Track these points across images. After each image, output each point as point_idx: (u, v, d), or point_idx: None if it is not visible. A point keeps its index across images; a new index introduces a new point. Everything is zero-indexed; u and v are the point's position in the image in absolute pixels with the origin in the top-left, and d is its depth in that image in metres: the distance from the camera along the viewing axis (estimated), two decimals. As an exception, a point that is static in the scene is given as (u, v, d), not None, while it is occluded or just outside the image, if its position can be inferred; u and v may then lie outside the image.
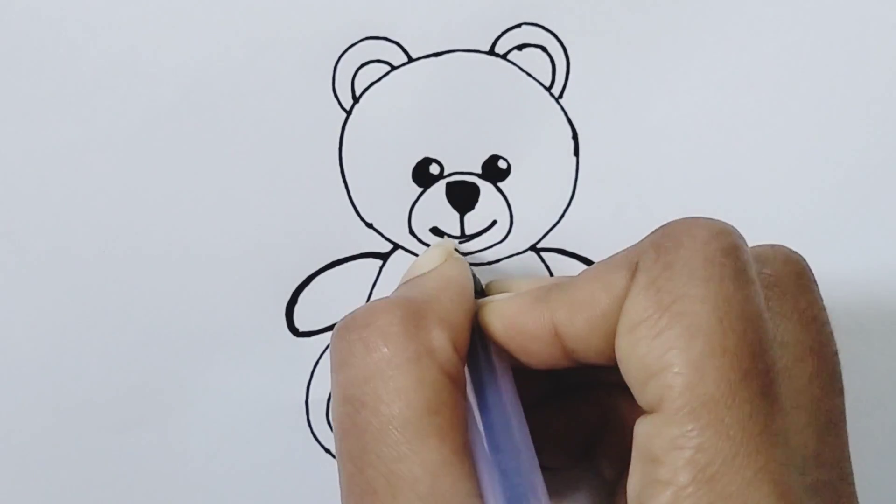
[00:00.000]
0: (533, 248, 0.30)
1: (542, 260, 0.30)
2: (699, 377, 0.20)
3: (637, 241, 0.23)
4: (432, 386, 0.22)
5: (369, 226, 0.30)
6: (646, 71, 0.29)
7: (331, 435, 0.30)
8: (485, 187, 0.30)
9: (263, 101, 0.29)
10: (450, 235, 0.30)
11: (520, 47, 0.29)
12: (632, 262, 0.22)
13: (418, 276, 0.26)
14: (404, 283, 0.27)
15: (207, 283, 0.29)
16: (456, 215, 0.30)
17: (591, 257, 0.30)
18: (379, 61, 0.29)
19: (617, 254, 0.23)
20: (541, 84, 0.29)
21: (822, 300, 0.24)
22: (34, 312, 0.29)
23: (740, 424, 0.20)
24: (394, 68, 0.29)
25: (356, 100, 0.29)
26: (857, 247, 0.30)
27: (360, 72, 0.29)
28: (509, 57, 0.29)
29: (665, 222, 0.23)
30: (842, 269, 0.30)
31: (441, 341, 0.23)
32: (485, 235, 0.30)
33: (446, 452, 0.21)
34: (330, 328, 0.30)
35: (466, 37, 0.29)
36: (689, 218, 0.23)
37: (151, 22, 0.28)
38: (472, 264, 0.29)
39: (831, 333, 0.24)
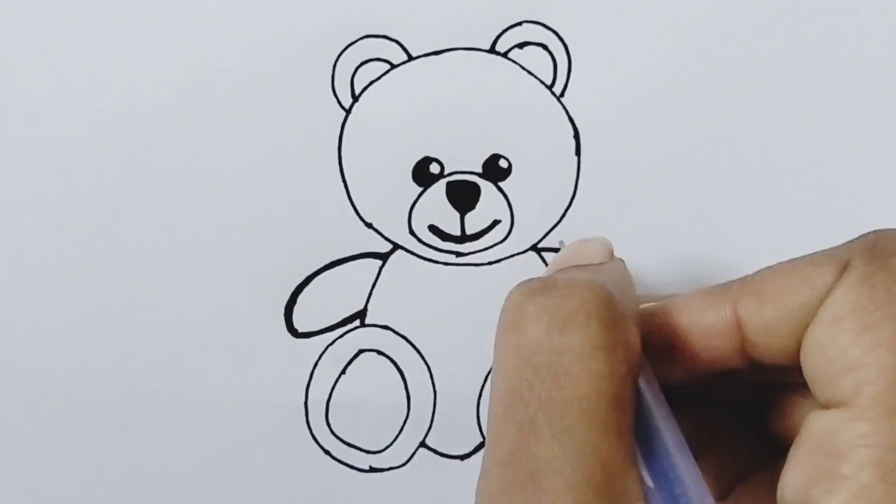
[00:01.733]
0: (534, 247, 0.30)
1: (543, 260, 0.30)
2: None
3: (842, 244, 0.22)
4: (621, 379, 0.20)
5: (369, 226, 0.29)
6: (647, 70, 0.29)
7: (329, 436, 0.30)
8: (485, 187, 0.30)
9: (263, 99, 0.29)
10: (450, 235, 0.30)
11: (521, 45, 0.29)
12: (842, 259, 0.22)
13: (599, 267, 0.24)
14: (576, 266, 0.25)
15: (206, 283, 0.29)
16: (456, 215, 0.30)
17: (592, 257, 0.30)
18: (378, 60, 0.29)
19: (817, 252, 0.23)
20: (542, 83, 0.29)
21: None
22: (34, 313, 0.29)
23: None
24: (394, 67, 0.29)
25: (356, 98, 0.29)
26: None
27: (360, 70, 0.29)
28: (510, 55, 0.29)
29: (872, 230, 0.22)
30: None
31: (634, 336, 0.21)
32: (485, 235, 0.30)
33: (622, 453, 0.20)
34: (329, 329, 0.30)
35: (467, 35, 0.29)
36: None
37: (151, 21, 0.28)
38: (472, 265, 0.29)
39: None
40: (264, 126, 0.29)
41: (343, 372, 0.30)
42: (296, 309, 0.30)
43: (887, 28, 0.29)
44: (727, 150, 0.30)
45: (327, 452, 0.30)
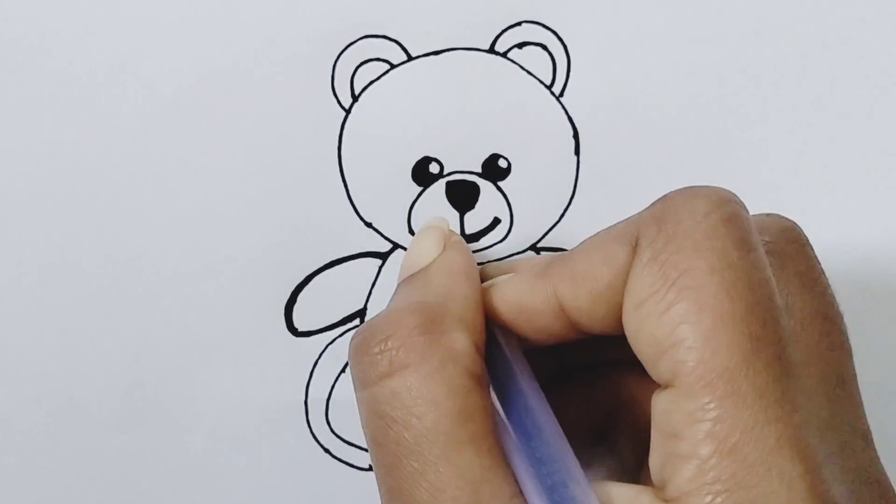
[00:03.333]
0: (533, 247, 0.30)
1: (543, 259, 0.30)
2: (712, 350, 0.20)
3: (636, 213, 0.23)
4: (461, 392, 0.22)
5: (369, 225, 0.29)
6: (647, 69, 0.29)
7: (329, 434, 0.30)
8: (485, 186, 0.30)
9: (262, 99, 0.29)
10: (449, 235, 0.30)
11: (520, 45, 0.29)
12: (632, 235, 0.22)
13: (422, 272, 0.25)
14: (407, 279, 0.26)
15: (206, 282, 0.29)
16: (456, 215, 0.30)
17: (591, 257, 0.30)
18: (378, 60, 0.29)
19: (616, 224, 0.23)
20: (541, 82, 0.29)
21: (820, 265, 0.24)
22: (34, 313, 0.29)
23: (757, 393, 0.20)
24: (393, 67, 0.29)
25: (355, 98, 0.29)
26: (856, 245, 0.30)
27: (360, 70, 0.29)
28: (510, 55, 0.29)
29: (662, 196, 0.23)
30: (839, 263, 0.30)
31: (463, 343, 0.22)
32: (485, 235, 0.30)
33: (483, 459, 0.21)
34: (329, 328, 0.30)
35: (466, 35, 0.29)
36: (687, 188, 0.22)
37: (150, 21, 0.28)
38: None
39: (833, 295, 0.24)
40: (264, 126, 0.29)
41: (343, 371, 0.30)
42: (296, 308, 0.30)
43: (887, 28, 0.29)
44: (727, 149, 0.30)
45: (327, 451, 0.30)
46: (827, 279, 0.24)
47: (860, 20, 0.29)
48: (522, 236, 0.30)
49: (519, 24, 0.29)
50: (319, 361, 0.30)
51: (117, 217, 0.29)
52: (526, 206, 0.30)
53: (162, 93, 0.29)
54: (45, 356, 0.30)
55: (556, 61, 0.29)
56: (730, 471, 0.20)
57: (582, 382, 0.27)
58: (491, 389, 0.23)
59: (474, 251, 0.30)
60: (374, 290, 0.30)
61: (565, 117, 0.29)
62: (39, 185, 0.29)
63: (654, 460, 0.21)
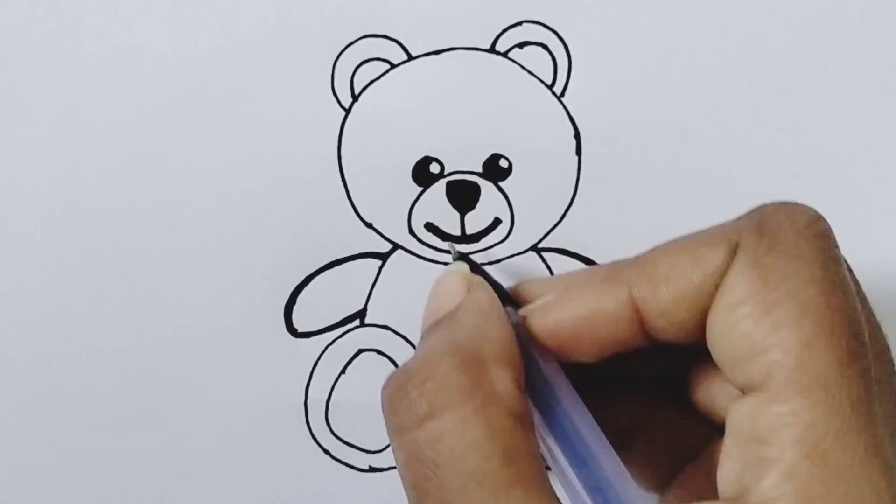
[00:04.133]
0: (534, 247, 0.30)
1: (543, 260, 0.30)
2: (810, 356, 0.20)
3: (730, 221, 0.23)
4: (505, 433, 0.21)
5: (369, 225, 0.29)
6: (648, 69, 0.29)
7: (329, 435, 0.30)
8: (486, 187, 0.29)
9: (262, 99, 0.29)
10: (450, 235, 0.30)
11: (521, 45, 0.29)
12: (731, 239, 0.22)
13: (450, 315, 0.24)
14: (434, 324, 0.25)
15: (206, 282, 0.29)
16: (456, 215, 0.29)
17: (592, 257, 0.30)
18: (378, 59, 0.29)
19: (705, 231, 0.23)
20: (542, 82, 0.29)
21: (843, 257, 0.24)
22: (33, 313, 0.29)
23: (850, 402, 0.20)
24: (393, 66, 0.29)
25: (355, 98, 0.29)
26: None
27: (360, 70, 0.29)
28: (510, 55, 0.29)
29: (757, 205, 0.23)
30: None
31: (504, 383, 0.22)
32: (486, 236, 0.30)
33: (532, 498, 0.21)
34: (329, 329, 0.30)
35: (467, 34, 0.29)
36: (784, 202, 0.23)
37: (150, 21, 0.28)
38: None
39: (862, 293, 0.23)
40: (264, 125, 0.29)
41: (343, 371, 0.30)
42: (295, 309, 0.30)
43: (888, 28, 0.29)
44: (727, 149, 0.29)
45: (327, 452, 0.30)
46: (854, 278, 0.24)
47: (860, 21, 0.29)
48: (523, 237, 0.30)
49: (520, 23, 0.29)
50: (319, 362, 0.30)
51: (117, 217, 0.29)
52: (527, 207, 0.30)
53: (162, 93, 0.29)
54: (45, 356, 0.30)
55: (557, 61, 0.29)
56: (821, 477, 0.19)
57: (601, 402, 0.27)
58: (538, 419, 0.23)
59: (475, 251, 0.30)
60: (373, 291, 0.30)
61: (566, 117, 0.29)
62: (39, 186, 0.29)
63: (730, 470, 0.21)
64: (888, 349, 0.23)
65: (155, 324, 0.29)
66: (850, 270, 0.23)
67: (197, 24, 0.28)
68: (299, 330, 0.30)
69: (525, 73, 0.29)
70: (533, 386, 0.23)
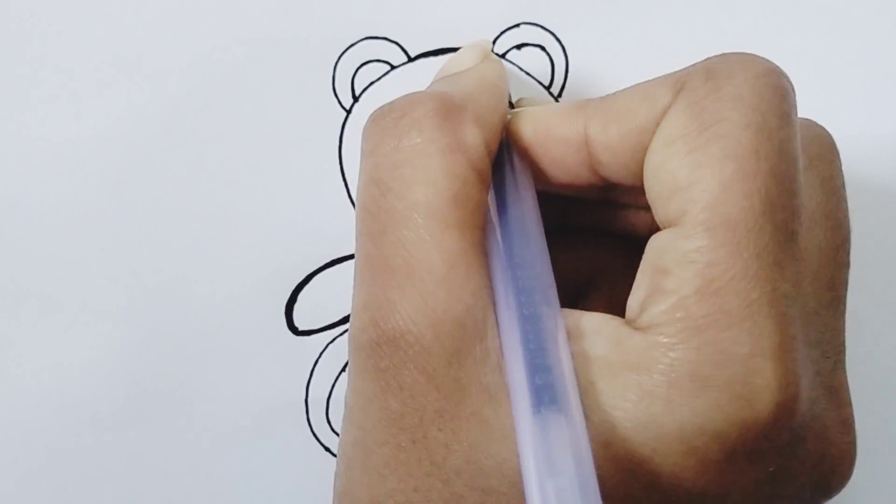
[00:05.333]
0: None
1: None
2: (725, 197, 0.20)
3: (683, 68, 0.23)
4: (460, 178, 0.22)
5: (369, 224, 0.30)
6: (645, 71, 0.29)
7: (330, 433, 0.30)
8: (484, 186, 0.30)
9: (264, 100, 0.29)
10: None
11: (519, 47, 0.29)
12: (679, 80, 0.22)
13: (455, 74, 0.26)
14: (439, 79, 0.26)
15: (207, 281, 0.29)
16: (455, 214, 0.30)
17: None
18: (378, 61, 0.29)
19: (663, 75, 0.23)
20: (540, 83, 0.30)
21: (843, 180, 0.24)
22: (33, 312, 0.29)
23: (755, 250, 0.20)
24: (393, 68, 0.29)
25: (356, 99, 0.29)
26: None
27: (360, 71, 0.29)
28: (508, 56, 0.29)
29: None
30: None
31: (474, 137, 0.22)
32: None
33: (465, 244, 0.21)
34: (329, 327, 0.30)
35: (465, 36, 0.29)
36: (745, 52, 0.23)
37: (151, 21, 0.28)
38: None
39: (847, 209, 0.24)
40: (265, 126, 0.29)
41: (343, 369, 0.30)
42: (296, 307, 0.30)
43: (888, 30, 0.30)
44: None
45: (328, 450, 0.30)
46: (845, 193, 0.24)
47: (860, 20, 0.30)
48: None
49: (517, 25, 0.29)
50: (320, 360, 0.30)
51: (117, 217, 0.29)
52: (524, 206, 0.30)
53: (163, 93, 0.29)
54: (45, 356, 0.29)
55: (555, 62, 0.29)
56: (705, 311, 0.20)
57: (571, 244, 0.27)
58: (493, 195, 0.23)
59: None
60: (374, 289, 0.30)
61: (563, 118, 0.30)
62: (39, 185, 0.29)
63: (635, 296, 0.22)
64: (842, 229, 0.23)
65: (155, 322, 0.29)
66: (836, 157, 0.24)
67: (199, 26, 0.29)
68: (300, 328, 0.30)
69: (523, 74, 0.29)
70: (502, 172, 0.24)
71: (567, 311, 0.22)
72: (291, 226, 0.30)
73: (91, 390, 0.30)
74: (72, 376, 0.29)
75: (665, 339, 0.20)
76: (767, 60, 0.22)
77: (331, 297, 0.30)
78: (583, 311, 0.22)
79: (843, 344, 0.23)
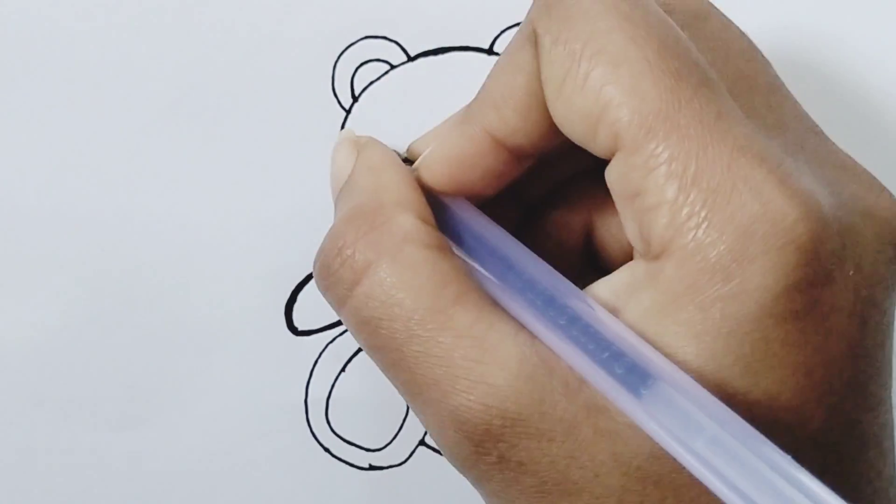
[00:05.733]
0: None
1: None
2: (640, 97, 0.20)
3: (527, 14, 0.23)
4: (426, 266, 0.22)
5: (368, 224, 0.30)
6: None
7: (329, 433, 0.30)
8: (484, 186, 0.30)
9: (263, 99, 0.29)
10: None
11: (519, 46, 0.29)
12: (528, 31, 0.22)
13: (348, 181, 0.25)
14: (338, 195, 0.26)
15: (206, 281, 0.29)
16: (455, 214, 0.30)
17: (590, 256, 0.30)
18: (378, 60, 0.29)
19: (514, 34, 0.23)
20: (540, 83, 0.29)
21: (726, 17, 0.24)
22: (33, 311, 0.29)
23: (696, 119, 0.20)
24: (393, 67, 0.29)
25: (355, 99, 0.29)
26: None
27: (360, 71, 0.29)
28: (508, 56, 0.29)
29: None
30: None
31: (410, 222, 0.22)
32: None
33: (473, 312, 0.21)
34: (329, 327, 0.30)
35: (465, 36, 0.29)
36: None
37: (151, 21, 0.29)
38: None
39: (730, 21, 0.24)
40: (265, 126, 0.29)
41: (343, 370, 0.30)
42: (296, 307, 0.30)
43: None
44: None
45: (327, 450, 0.30)
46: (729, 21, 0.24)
47: (860, 21, 0.30)
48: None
49: (517, 24, 0.29)
50: (319, 361, 0.30)
51: (117, 217, 0.29)
52: (525, 206, 0.30)
53: (163, 93, 0.29)
54: (45, 356, 0.30)
55: (462, 108, 0.29)
56: (699, 200, 0.20)
57: (550, 217, 0.27)
58: (458, 250, 0.23)
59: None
60: (373, 290, 0.30)
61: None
62: (39, 185, 0.29)
63: (630, 230, 0.21)
64: (740, 39, 0.23)
65: (155, 322, 0.30)
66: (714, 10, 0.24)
67: (198, 25, 0.29)
68: (300, 328, 0.30)
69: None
70: (447, 223, 0.24)
71: (596, 288, 0.22)
72: (291, 226, 0.29)
73: (90, 391, 0.30)
74: (71, 377, 0.29)
75: (685, 249, 0.20)
76: None
77: (330, 297, 0.30)
78: (605, 278, 0.22)
79: (815, 124, 0.23)
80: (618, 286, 0.22)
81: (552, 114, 0.22)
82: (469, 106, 0.24)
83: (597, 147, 0.21)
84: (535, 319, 0.21)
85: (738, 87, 0.22)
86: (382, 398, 0.30)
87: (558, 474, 0.21)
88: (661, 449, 0.20)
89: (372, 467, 0.30)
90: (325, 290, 0.23)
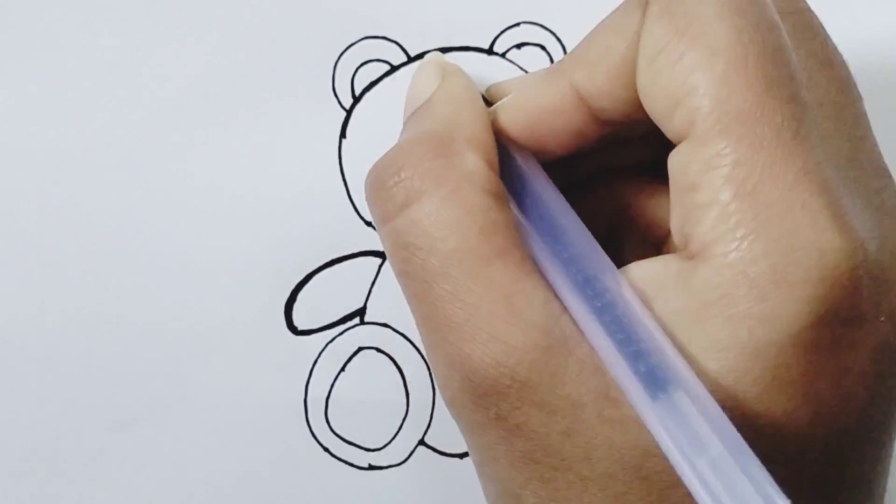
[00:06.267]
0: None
1: (542, 259, 0.30)
2: (726, 93, 0.20)
3: None
4: (480, 210, 0.21)
5: (369, 224, 0.30)
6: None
7: (329, 433, 0.30)
8: (484, 186, 0.30)
9: (263, 99, 0.29)
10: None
11: (519, 46, 0.29)
12: (641, 0, 0.22)
13: (425, 104, 0.25)
14: (411, 115, 0.25)
15: (206, 281, 0.29)
16: (455, 214, 0.30)
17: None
18: (378, 60, 0.29)
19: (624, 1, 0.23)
20: (540, 83, 0.29)
21: (821, 24, 0.24)
22: (33, 311, 0.29)
23: (774, 132, 0.20)
24: (393, 68, 0.29)
25: (356, 99, 0.29)
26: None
27: (360, 71, 0.29)
28: (508, 55, 0.29)
29: None
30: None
31: (476, 164, 0.22)
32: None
33: (512, 269, 0.21)
34: (329, 327, 0.30)
35: (465, 35, 0.29)
36: None
37: (152, 21, 0.29)
38: None
39: (837, 50, 0.23)
40: (265, 126, 0.29)
41: (342, 369, 0.30)
42: (295, 307, 0.30)
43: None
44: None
45: (326, 450, 0.30)
46: (832, 43, 0.23)
47: (859, 21, 0.30)
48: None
49: (517, 24, 0.29)
50: (319, 360, 0.30)
51: (117, 216, 0.29)
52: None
53: (162, 92, 0.29)
54: (45, 356, 0.30)
55: (555, 62, 0.29)
56: (752, 212, 0.19)
57: (588, 194, 0.27)
58: (513, 203, 0.23)
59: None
60: (373, 289, 0.30)
61: (563, 117, 0.30)
62: (39, 185, 0.29)
63: (675, 221, 0.21)
64: (841, 68, 0.23)
65: (155, 321, 0.29)
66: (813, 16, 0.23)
67: (198, 25, 0.29)
68: (299, 328, 0.30)
69: (523, 73, 0.29)
70: (509, 173, 0.23)
71: (628, 270, 0.22)
72: (291, 226, 0.30)
73: (89, 390, 0.30)
74: (71, 377, 0.29)
75: (726, 258, 0.19)
76: None
77: (330, 296, 0.30)
78: (639, 264, 0.22)
79: (885, 165, 0.23)
80: (650, 276, 0.21)
81: (637, 83, 0.22)
82: (561, 61, 0.24)
83: (670, 127, 0.21)
84: (572, 294, 0.21)
85: (825, 111, 0.22)
86: (382, 398, 0.30)
87: (550, 447, 0.21)
88: (658, 448, 0.20)
89: (371, 467, 0.30)
90: (373, 203, 0.23)
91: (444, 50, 0.29)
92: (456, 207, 0.21)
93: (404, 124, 0.25)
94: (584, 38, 0.23)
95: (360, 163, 0.29)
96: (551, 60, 0.29)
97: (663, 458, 0.20)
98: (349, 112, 0.29)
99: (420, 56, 0.29)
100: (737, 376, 0.20)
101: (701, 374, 0.20)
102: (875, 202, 0.22)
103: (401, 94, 0.29)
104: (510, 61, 0.29)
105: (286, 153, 0.29)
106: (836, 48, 0.23)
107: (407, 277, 0.22)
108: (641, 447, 0.20)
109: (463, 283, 0.21)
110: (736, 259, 0.19)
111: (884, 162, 0.23)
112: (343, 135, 0.29)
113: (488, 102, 0.25)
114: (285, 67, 0.29)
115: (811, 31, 0.23)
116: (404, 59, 0.29)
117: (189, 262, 0.29)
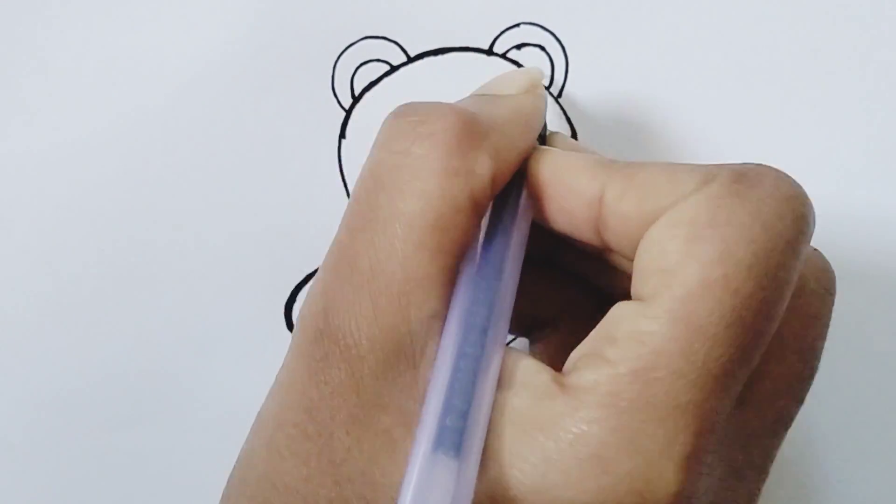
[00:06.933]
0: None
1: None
2: (699, 298, 0.20)
3: (722, 164, 0.22)
4: (453, 203, 0.21)
5: (368, 224, 0.30)
6: (644, 71, 0.29)
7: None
8: (484, 186, 0.30)
9: (263, 100, 0.29)
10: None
11: (519, 46, 0.29)
12: (709, 174, 0.22)
13: (492, 96, 0.25)
14: (476, 95, 0.25)
15: (206, 281, 0.29)
16: (455, 214, 0.30)
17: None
18: (378, 60, 0.29)
19: (700, 165, 0.23)
20: (540, 83, 0.30)
21: (830, 316, 0.24)
22: (33, 310, 0.29)
23: (705, 358, 0.20)
24: (393, 68, 0.29)
25: (356, 99, 0.29)
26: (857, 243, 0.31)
27: (360, 71, 0.29)
28: (508, 56, 0.29)
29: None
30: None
31: (483, 168, 0.22)
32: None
33: (433, 269, 0.21)
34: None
35: (465, 36, 0.29)
36: (780, 170, 0.22)
37: (151, 21, 0.29)
38: None
39: (822, 349, 0.23)
40: (265, 126, 0.29)
41: (342, 370, 0.30)
42: (296, 307, 0.30)
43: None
44: (724, 150, 0.30)
45: (327, 450, 0.30)
46: (826, 335, 0.23)
47: (860, 21, 0.30)
48: (521, 236, 0.30)
49: (517, 25, 0.29)
50: (319, 360, 0.30)
51: (117, 216, 0.29)
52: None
53: (162, 92, 0.29)
54: (45, 356, 0.30)
55: (555, 62, 0.29)
56: (633, 394, 0.20)
57: (546, 278, 0.27)
58: (485, 222, 0.23)
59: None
60: (373, 290, 0.30)
61: (563, 118, 0.30)
62: (39, 185, 0.29)
63: (578, 351, 0.21)
64: (808, 366, 0.23)
65: (155, 322, 0.30)
66: (830, 296, 0.23)
67: (198, 25, 0.29)
68: (299, 328, 0.30)
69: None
70: (503, 198, 0.23)
71: (512, 351, 0.22)
72: (291, 226, 0.30)
73: (90, 391, 0.30)
74: (71, 377, 0.29)
75: (583, 411, 0.20)
76: (798, 185, 0.22)
77: (330, 297, 0.30)
78: (525, 354, 0.22)
79: (767, 472, 0.23)
80: (527, 375, 0.21)
81: (650, 229, 0.22)
82: (616, 162, 0.23)
83: (638, 282, 0.21)
84: (458, 327, 0.21)
85: (771, 375, 0.22)
86: (382, 398, 0.30)
87: (330, 416, 0.21)
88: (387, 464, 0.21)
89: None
90: (386, 124, 0.23)
91: (444, 50, 0.29)
92: (437, 185, 0.21)
93: (471, 93, 0.25)
94: (645, 163, 0.23)
95: (359, 163, 0.29)
96: (551, 61, 0.29)
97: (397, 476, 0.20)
98: (349, 112, 0.29)
99: (420, 56, 0.29)
100: (517, 488, 0.20)
101: (489, 462, 0.20)
102: (731, 487, 0.22)
103: (401, 95, 0.29)
104: (510, 61, 0.29)
105: (286, 153, 0.29)
106: (820, 350, 0.23)
107: (355, 204, 0.22)
108: (392, 479, 0.21)
109: (389, 244, 0.21)
110: (587, 414, 0.20)
111: (770, 465, 0.23)
112: (343, 135, 0.29)
113: (542, 137, 0.25)
114: (285, 67, 0.29)
115: (815, 323, 0.23)
116: (404, 59, 0.29)
117: (189, 263, 0.29)
